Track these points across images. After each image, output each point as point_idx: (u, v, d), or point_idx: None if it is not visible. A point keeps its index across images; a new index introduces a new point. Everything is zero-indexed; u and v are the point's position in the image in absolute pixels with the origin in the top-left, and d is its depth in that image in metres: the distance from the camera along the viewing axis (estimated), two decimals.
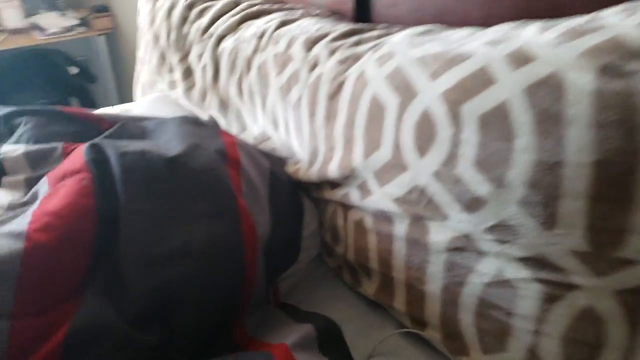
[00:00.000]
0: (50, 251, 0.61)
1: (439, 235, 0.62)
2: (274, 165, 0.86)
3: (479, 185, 0.55)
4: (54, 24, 2.52)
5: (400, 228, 0.67)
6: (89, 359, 0.56)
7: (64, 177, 0.74)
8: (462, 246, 0.60)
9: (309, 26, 0.90)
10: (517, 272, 0.55)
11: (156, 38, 1.27)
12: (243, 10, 1.10)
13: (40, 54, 2.51)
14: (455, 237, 0.60)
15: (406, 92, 0.63)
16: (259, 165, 0.82)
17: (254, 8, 1.09)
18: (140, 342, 0.60)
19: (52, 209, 0.65)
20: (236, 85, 1.01)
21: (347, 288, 0.86)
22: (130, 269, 0.64)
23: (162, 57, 1.26)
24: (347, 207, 0.77)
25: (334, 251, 0.85)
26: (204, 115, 1.12)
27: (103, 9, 2.68)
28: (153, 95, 1.31)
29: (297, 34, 0.90)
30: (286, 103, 0.87)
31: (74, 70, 2.64)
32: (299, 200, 0.86)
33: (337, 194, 0.78)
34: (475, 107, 0.55)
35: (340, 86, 0.75)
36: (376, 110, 0.67)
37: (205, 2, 1.20)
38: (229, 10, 1.13)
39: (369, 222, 0.72)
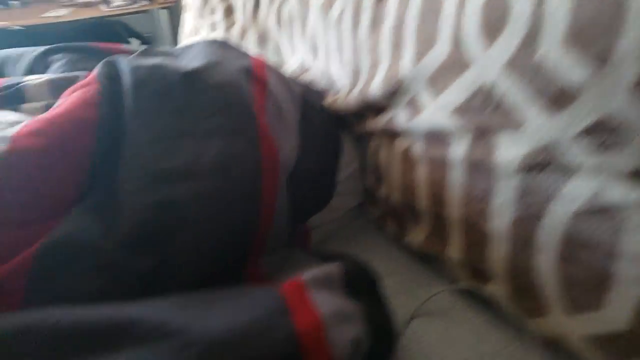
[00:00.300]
0: (36, 157, 0.51)
1: (509, 151, 0.46)
2: (309, 93, 0.73)
3: (571, 70, 0.39)
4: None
5: (458, 149, 0.52)
6: (61, 279, 0.46)
7: (73, 92, 0.65)
8: (541, 162, 0.44)
9: None
10: (624, 193, 0.39)
11: None
12: None
13: (103, 24, 2.53)
14: (533, 151, 0.44)
15: None
16: (290, 89, 0.69)
17: None
18: (130, 266, 0.49)
19: (47, 117, 0.56)
20: (275, 14, 0.89)
21: (389, 241, 0.71)
22: (130, 184, 0.53)
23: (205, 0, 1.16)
24: (392, 135, 0.63)
25: (376, 196, 0.71)
26: None
27: None
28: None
29: None
30: (327, 22, 0.74)
31: (135, 42, 2.64)
32: (335, 133, 0.73)
33: (381, 121, 0.64)
34: None
35: None
36: (432, 2, 0.53)
37: None
38: None
39: (418, 148, 0.58)
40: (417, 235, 0.63)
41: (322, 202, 0.70)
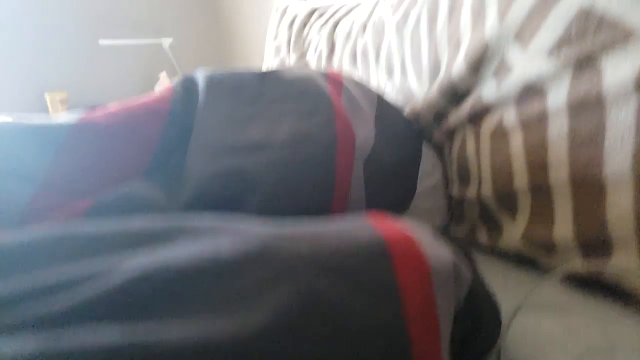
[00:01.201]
0: (103, 131, 0.51)
1: (620, 70, 0.40)
2: (385, 98, 0.71)
3: None
4: None
5: (558, 95, 0.46)
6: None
7: None
8: None
9: None
10: None
11: (278, 49, 1.26)
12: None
13: None
14: None
15: None
16: (366, 91, 0.68)
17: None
18: None
19: (121, 104, 0.57)
20: (350, 54, 0.91)
21: (481, 253, 0.63)
22: (196, 157, 0.51)
23: (282, 65, 1.23)
24: (478, 119, 0.58)
25: (463, 207, 0.65)
26: None
27: None
28: None
29: None
30: (403, 36, 0.74)
31: None
32: (414, 132, 0.69)
33: (466, 107, 0.60)
34: None
35: None
36: None
37: (326, 8, 1.18)
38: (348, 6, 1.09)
39: (510, 118, 0.52)
40: (515, 230, 0.55)
41: (400, 203, 0.64)
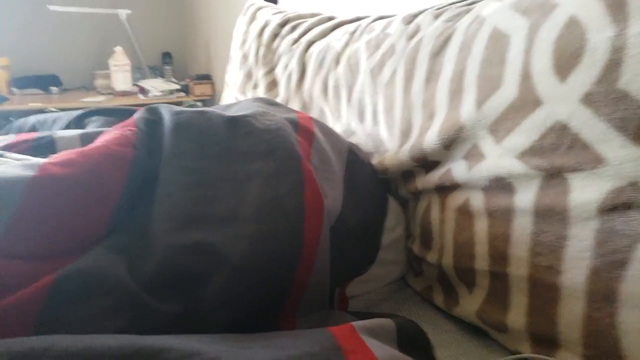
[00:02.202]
0: (63, 185, 0.48)
1: (586, 192, 0.42)
2: (355, 150, 0.71)
3: None
4: (157, 87, 2.67)
5: (526, 196, 0.48)
6: (77, 315, 0.41)
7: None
8: (625, 202, 0.40)
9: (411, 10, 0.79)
10: None
11: (245, 57, 1.23)
12: (337, 20, 1.03)
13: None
14: (615, 190, 0.40)
15: (540, 10, 0.48)
16: (336, 142, 0.68)
17: (351, 17, 1.02)
18: (155, 308, 0.44)
19: (81, 149, 0.54)
20: (321, 84, 0.91)
21: (437, 312, 0.65)
22: (162, 225, 0.50)
23: (249, 75, 1.20)
24: (446, 191, 0.60)
25: (422, 265, 0.66)
26: None
27: (205, 77, 2.82)
28: None
29: (396, 18, 0.79)
30: (376, 84, 0.74)
31: None
32: (381, 192, 0.70)
33: (434, 176, 0.61)
34: None
35: (446, 40, 0.62)
36: (496, 44, 0.52)
37: (298, 19, 1.16)
38: (323, 23, 1.07)
39: (477, 201, 0.54)
40: (471, 304, 0.57)
41: (365, 263, 0.65)
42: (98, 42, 2.92)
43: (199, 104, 2.78)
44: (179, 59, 3.16)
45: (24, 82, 2.75)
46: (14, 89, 2.73)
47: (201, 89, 2.77)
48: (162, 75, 3.05)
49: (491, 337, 0.57)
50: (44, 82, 2.79)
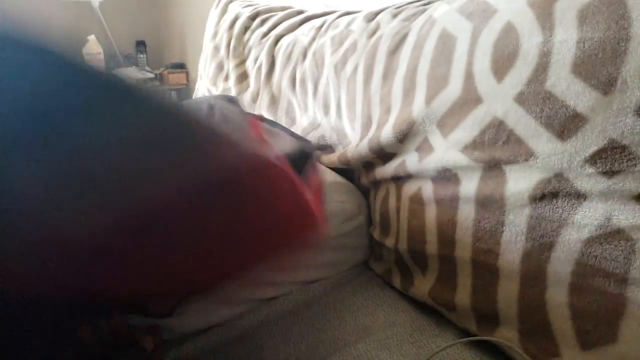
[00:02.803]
0: None
1: (520, 182, 0.47)
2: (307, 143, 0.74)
3: (579, 97, 0.41)
4: (131, 76, 2.65)
5: (469, 186, 0.52)
6: None
7: None
8: (552, 191, 0.44)
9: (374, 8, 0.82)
10: (635, 216, 0.39)
11: (216, 49, 1.25)
12: (306, 14, 1.06)
13: None
14: (543, 180, 0.45)
15: (482, 14, 0.52)
16: (285, 139, 0.71)
17: (319, 11, 1.05)
18: None
19: None
20: (289, 77, 0.94)
21: (395, 293, 0.70)
22: None
23: (220, 67, 1.23)
24: (401, 181, 0.64)
25: (382, 249, 0.71)
26: None
27: (179, 66, 2.81)
28: None
29: (359, 15, 0.82)
30: (340, 79, 0.78)
31: None
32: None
33: (390, 167, 0.65)
34: (572, 1, 0.43)
35: (402, 39, 0.65)
36: (444, 45, 0.56)
37: (268, 13, 1.18)
38: (291, 17, 1.10)
39: (427, 191, 0.58)
40: (424, 285, 0.61)
41: None
42: (71, 31, 2.88)
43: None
44: (153, 47, 3.14)
45: None
46: None
47: (175, 78, 2.77)
48: (136, 64, 3.03)
49: (443, 316, 0.62)
50: None
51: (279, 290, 0.70)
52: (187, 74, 2.79)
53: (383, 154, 0.66)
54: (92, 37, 2.53)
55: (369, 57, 0.71)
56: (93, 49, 2.55)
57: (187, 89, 2.84)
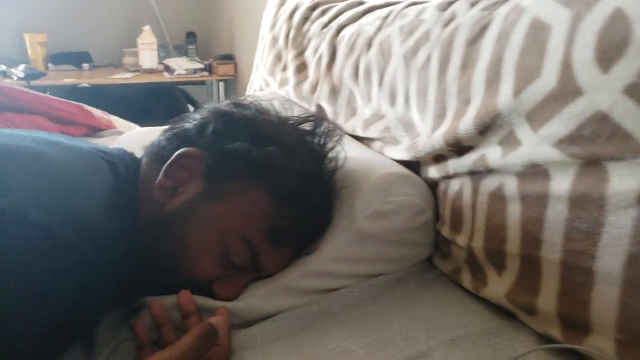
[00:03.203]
0: None
1: (626, 181, 0.44)
2: None
3: None
4: (182, 66, 2.69)
5: (561, 183, 0.49)
6: None
7: None
8: None
9: None
10: None
11: (275, 40, 1.24)
12: (368, 5, 1.04)
13: (166, 89, 2.67)
14: None
15: (582, 1, 0.49)
16: None
17: (381, 2, 1.02)
18: None
19: None
20: (352, 67, 0.92)
21: (464, 293, 0.67)
22: None
23: (278, 57, 1.22)
24: (478, 176, 0.61)
25: (451, 247, 0.68)
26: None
27: (228, 57, 2.84)
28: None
29: (430, 4, 0.79)
30: (410, 69, 0.75)
31: (191, 108, 2.78)
32: None
33: (467, 161, 0.62)
34: None
35: (483, 28, 0.62)
36: (536, 34, 0.53)
37: (328, 3, 1.16)
38: (353, 8, 1.07)
39: (510, 187, 0.55)
40: (499, 286, 0.59)
41: None
42: (127, 21, 2.94)
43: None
44: (203, 38, 3.18)
45: (58, 58, 2.81)
46: (50, 65, 2.79)
47: (224, 69, 2.80)
48: (186, 54, 3.08)
49: (517, 319, 0.59)
50: (77, 59, 2.84)
51: (341, 282, 0.68)
52: (236, 65, 2.80)
53: (459, 147, 0.63)
54: (146, 28, 2.57)
55: (445, 46, 0.68)
56: (147, 39, 2.60)
57: (234, 79, 2.86)
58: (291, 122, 0.71)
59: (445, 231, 0.69)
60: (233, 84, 2.88)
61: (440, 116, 0.68)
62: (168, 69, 2.73)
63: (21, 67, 2.51)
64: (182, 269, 0.62)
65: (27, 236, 0.45)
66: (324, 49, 1.02)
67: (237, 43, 2.77)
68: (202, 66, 2.75)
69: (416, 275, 0.72)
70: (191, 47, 3.06)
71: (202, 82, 3.04)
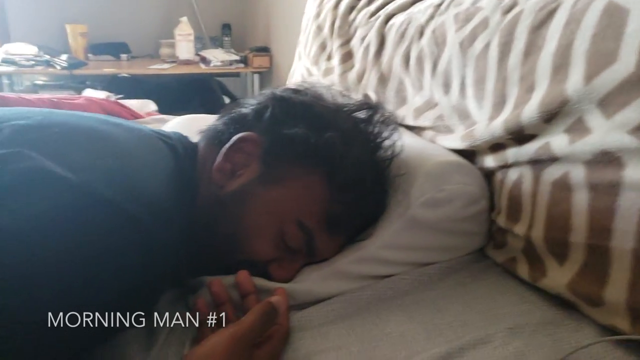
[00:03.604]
0: None
1: None
2: None
3: None
4: (218, 58, 2.72)
5: (636, 171, 0.48)
6: None
7: None
8: None
9: None
10: None
11: (319, 29, 1.24)
12: None
13: (202, 80, 2.70)
14: None
15: None
16: None
17: None
18: None
19: None
20: (402, 56, 0.91)
21: (519, 283, 0.66)
22: None
23: (322, 46, 1.22)
24: (540, 164, 0.60)
25: (507, 237, 0.67)
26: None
27: (263, 49, 2.85)
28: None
29: None
30: (466, 57, 0.74)
31: (226, 100, 2.80)
32: None
33: (529, 149, 0.61)
34: None
35: (550, 14, 0.61)
36: (611, 18, 0.52)
37: None
38: None
39: (577, 175, 0.54)
40: (561, 276, 0.58)
41: None
42: (164, 13, 2.99)
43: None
44: (238, 30, 3.20)
45: (98, 48, 2.87)
46: (90, 55, 2.85)
47: (260, 61, 2.81)
48: (221, 46, 3.11)
49: (577, 310, 0.58)
50: (115, 49, 2.90)
51: (393, 269, 0.68)
52: (271, 57, 2.82)
53: (520, 135, 0.62)
54: (184, 19, 2.60)
55: (506, 33, 0.67)
56: (184, 30, 2.64)
57: (269, 72, 2.87)
58: (346, 109, 0.71)
59: (501, 220, 0.68)
60: (268, 76, 2.89)
61: (499, 104, 0.67)
62: (204, 60, 2.76)
63: (64, 56, 2.57)
64: (238, 250, 0.63)
65: (97, 211, 0.47)
66: (372, 37, 1.02)
67: (273, 35, 2.78)
68: (238, 58, 2.77)
69: (468, 265, 0.72)
70: (226, 38, 3.09)
71: (237, 74, 3.07)
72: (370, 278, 0.67)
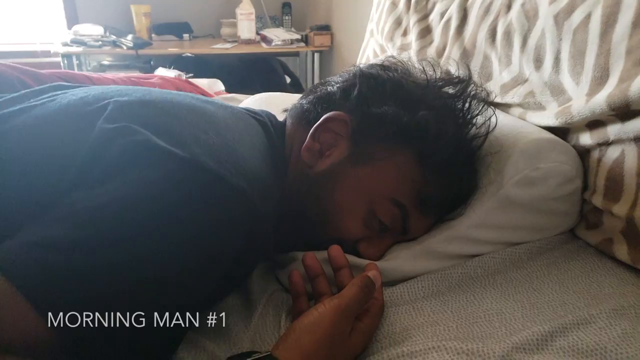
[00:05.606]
0: None
1: None
2: None
3: None
4: (279, 37, 2.73)
5: None
6: None
7: None
8: None
9: None
10: None
11: (394, 4, 1.22)
12: None
13: (263, 59, 2.73)
14: None
15: None
16: None
17: None
18: None
19: None
20: (488, 30, 0.89)
21: (616, 264, 0.64)
22: None
23: (397, 22, 1.20)
24: None
25: (602, 217, 0.65)
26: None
27: (324, 28, 2.84)
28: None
29: None
30: (562, 30, 0.71)
31: (287, 80, 2.82)
32: None
33: (634, 126, 0.59)
34: None
35: None
36: None
37: None
38: None
39: None
40: None
41: None
42: None
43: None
44: (298, 9, 3.20)
45: (161, 28, 2.93)
46: (153, 35, 2.92)
47: (321, 39, 2.80)
48: (281, 25, 3.12)
49: None
50: (178, 29, 2.95)
51: (483, 248, 0.68)
52: (332, 36, 2.80)
53: (625, 112, 0.60)
54: None
55: (611, 4, 0.64)
56: (246, 9, 2.66)
57: (330, 50, 2.86)
58: (436, 83, 0.70)
59: (597, 200, 0.66)
60: (328, 55, 2.89)
61: (601, 79, 0.64)
62: (265, 39, 2.78)
63: (129, 37, 2.65)
64: (328, 228, 0.64)
65: (206, 183, 0.48)
66: (454, 11, 1.00)
67: (334, 13, 2.76)
68: (299, 37, 2.77)
69: (559, 245, 0.70)
70: (286, 17, 3.09)
71: (296, 54, 3.08)
72: (459, 257, 0.67)
